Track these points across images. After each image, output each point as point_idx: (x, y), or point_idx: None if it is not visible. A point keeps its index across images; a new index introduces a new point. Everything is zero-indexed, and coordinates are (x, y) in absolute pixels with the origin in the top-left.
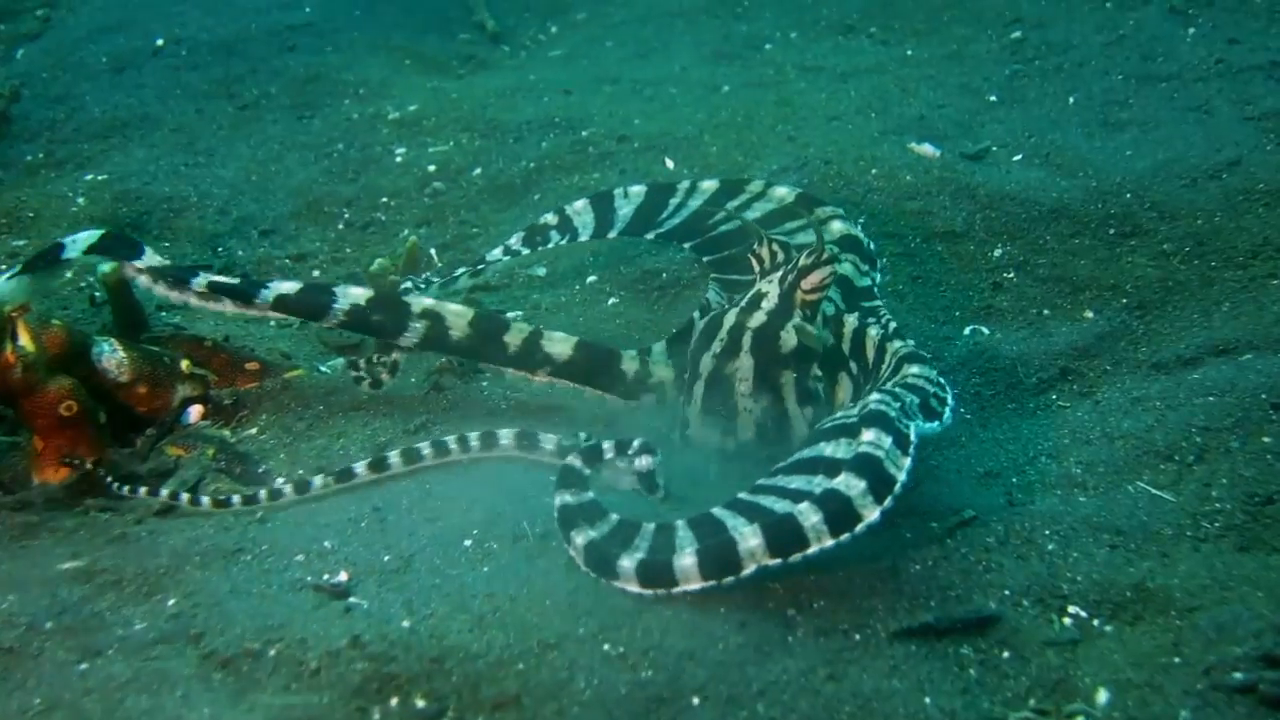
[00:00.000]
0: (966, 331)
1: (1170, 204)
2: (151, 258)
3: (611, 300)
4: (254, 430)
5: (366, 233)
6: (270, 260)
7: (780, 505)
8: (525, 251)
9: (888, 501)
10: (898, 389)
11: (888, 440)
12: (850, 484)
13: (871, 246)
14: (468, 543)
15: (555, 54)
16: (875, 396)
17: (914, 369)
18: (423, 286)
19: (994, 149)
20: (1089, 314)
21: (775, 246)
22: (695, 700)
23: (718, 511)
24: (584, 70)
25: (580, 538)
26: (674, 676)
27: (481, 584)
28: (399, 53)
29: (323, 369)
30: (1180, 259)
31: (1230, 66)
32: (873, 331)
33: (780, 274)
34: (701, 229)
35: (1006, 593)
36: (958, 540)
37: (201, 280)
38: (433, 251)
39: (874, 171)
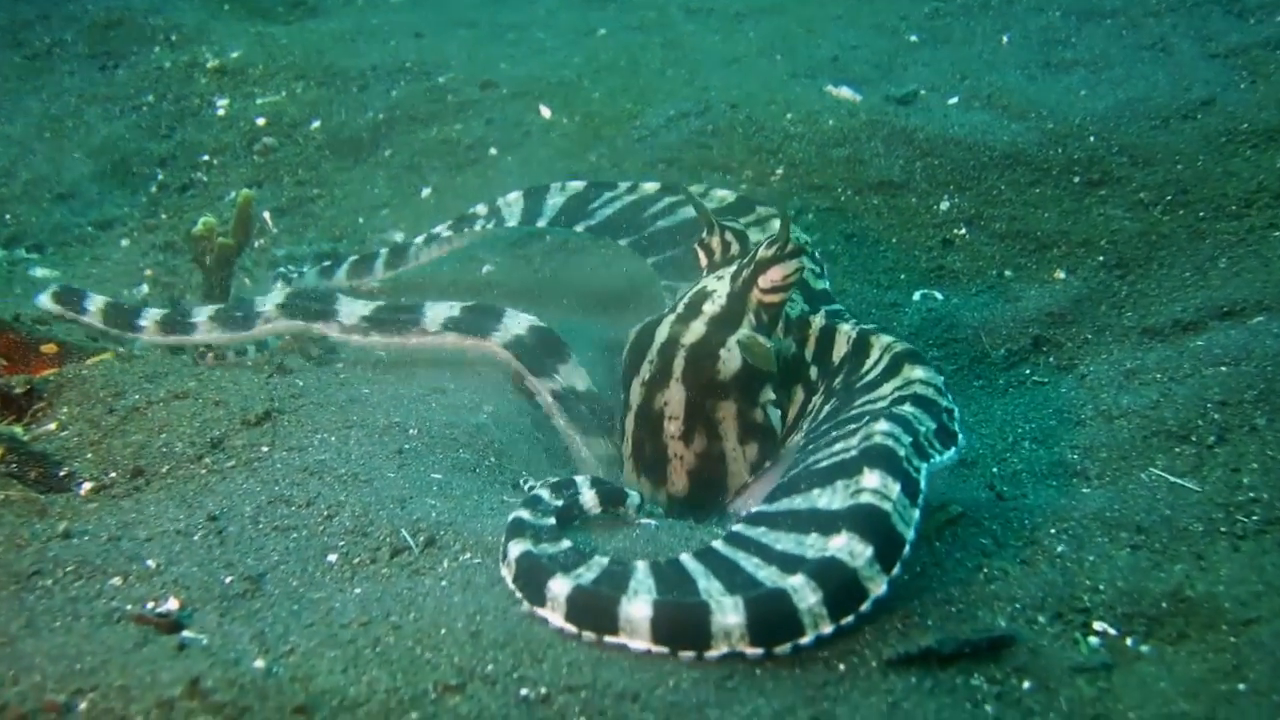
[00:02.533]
0: (916, 297)
1: (1142, 147)
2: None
3: (486, 268)
4: (53, 425)
5: (185, 196)
6: (68, 228)
7: (767, 575)
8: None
9: (897, 569)
10: (910, 412)
11: (895, 488)
12: (854, 550)
13: (817, 254)
14: (332, 557)
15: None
16: (882, 426)
17: (918, 372)
18: (295, 275)
19: (923, 92)
20: (1060, 274)
21: (729, 235)
22: None
23: (688, 561)
24: (434, 13)
25: (517, 548)
26: None
27: (354, 609)
28: None
29: (138, 351)
30: (1162, 209)
31: (1182, 1)
32: (845, 327)
33: (734, 269)
34: (637, 222)
35: (1017, 606)
36: (948, 542)
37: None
38: (266, 216)
39: (789, 115)
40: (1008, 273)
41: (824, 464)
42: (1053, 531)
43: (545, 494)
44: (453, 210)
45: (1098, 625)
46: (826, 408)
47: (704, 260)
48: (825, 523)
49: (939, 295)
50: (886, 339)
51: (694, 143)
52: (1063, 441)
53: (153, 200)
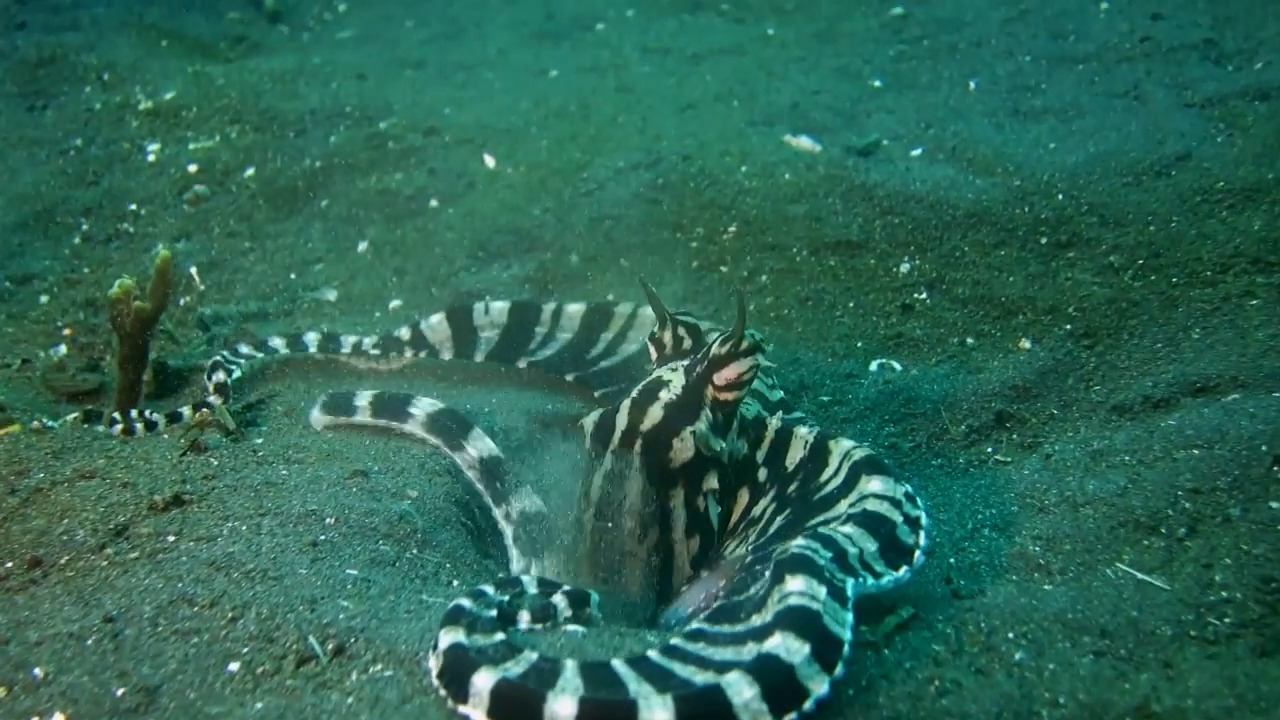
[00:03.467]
0: (873, 367)
1: (1113, 206)
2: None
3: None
4: None
5: (110, 248)
6: None
7: (703, 679)
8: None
9: (838, 669)
10: (841, 532)
11: (821, 590)
12: (790, 647)
13: (773, 366)
14: (234, 666)
15: (345, 35)
16: (799, 542)
17: (874, 485)
18: (236, 367)
19: (885, 142)
20: (1025, 344)
21: (681, 330)
22: None
23: (619, 666)
24: (380, 53)
25: (448, 638)
26: None
27: None
28: (153, 32)
29: (50, 423)
30: (1133, 274)
31: (1158, 45)
32: (802, 430)
33: (688, 363)
34: (580, 362)
35: None
36: (897, 650)
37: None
38: (193, 271)
39: (744, 169)
40: (970, 341)
41: (759, 594)
42: (1011, 636)
43: (490, 590)
44: (390, 265)
45: None
46: (779, 519)
47: (655, 354)
48: (760, 633)
49: (897, 365)
50: (846, 445)
51: (643, 198)
52: (1025, 530)
53: (75, 253)
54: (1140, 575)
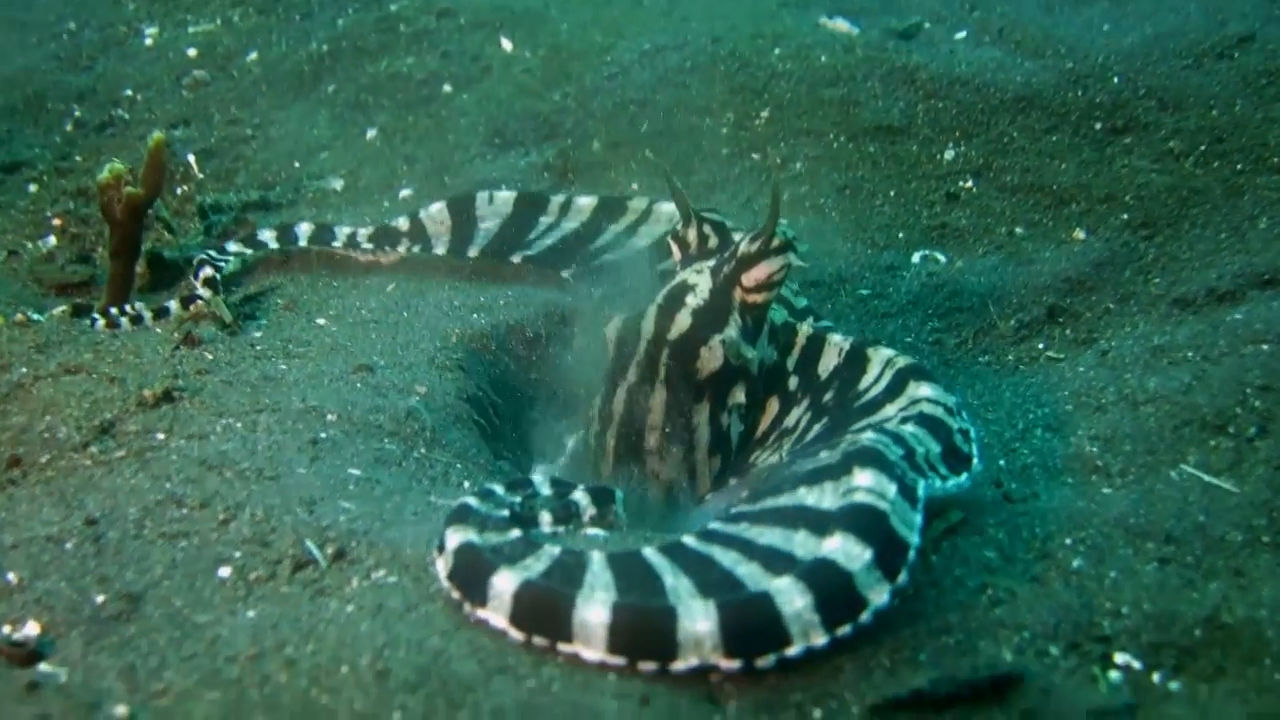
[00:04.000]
0: (916, 259)
1: (1172, 90)
2: None
3: None
4: None
5: (103, 135)
6: None
7: (748, 571)
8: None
9: (902, 576)
10: (909, 432)
11: (892, 489)
12: (851, 552)
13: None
14: (225, 572)
15: None
16: (869, 435)
17: (925, 390)
18: (224, 264)
19: (927, 25)
20: (1079, 234)
21: (707, 228)
22: None
23: (652, 556)
24: None
25: (457, 537)
26: None
27: (244, 638)
28: None
29: (36, 316)
30: (1194, 160)
31: None
32: (836, 337)
33: (714, 263)
34: (581, 255)
35: (1026, 635)
36: (946, 556)
37: None
38: (191, 159)
39: (778, 51)
40: (1019, 231)
41: (806, 468)
42: (1068, 542)
43: (499, 489)
44: (400, 153)
45: (1120, 658)
46: (817, 426)
47: (678, 254)
48: (815, 521)
49: (941, 257)
50: (886, 353)
51: (670, 82)
52: (1080, 430)
53: (67, 140)
54: (1207, 478)
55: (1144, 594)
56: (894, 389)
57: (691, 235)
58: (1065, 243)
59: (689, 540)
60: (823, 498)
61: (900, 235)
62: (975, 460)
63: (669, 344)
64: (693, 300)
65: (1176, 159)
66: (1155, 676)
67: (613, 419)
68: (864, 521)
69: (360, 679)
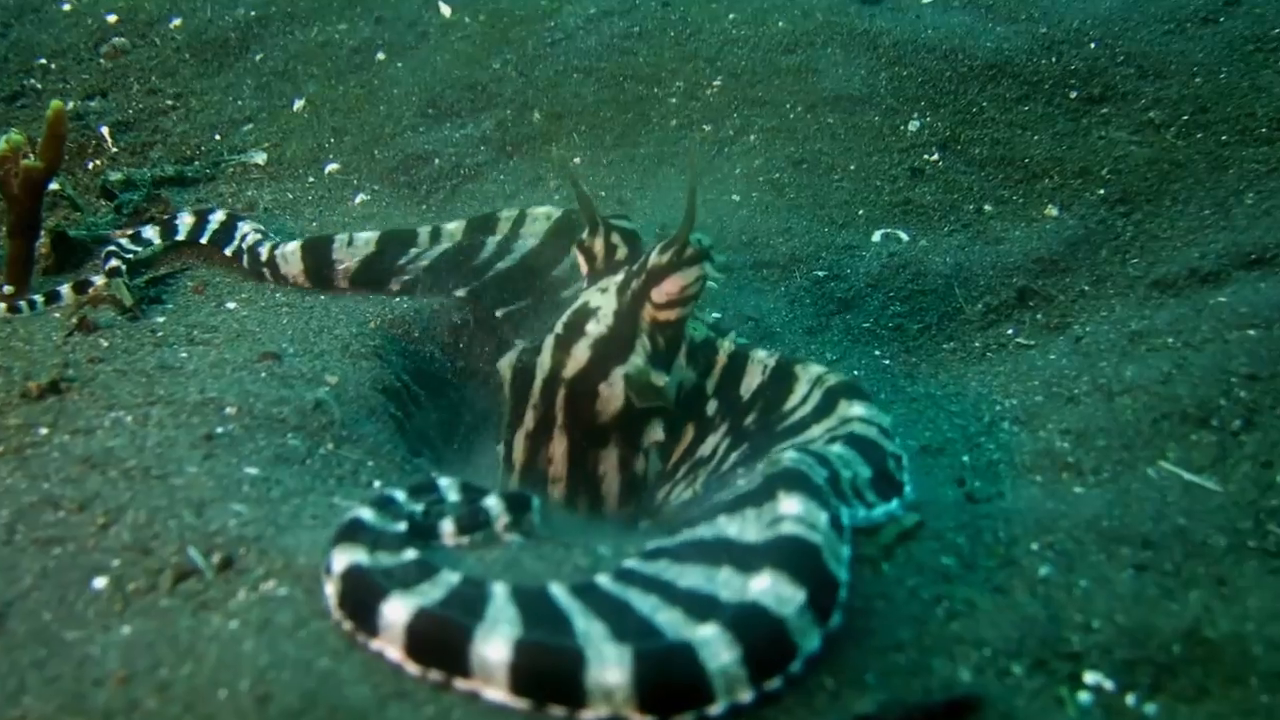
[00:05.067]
0: (876, 237)
1: (1153, 56)
2: None
3: (360, 197)
4: None
5: (14, 106)
6: None
7: (668, 619)
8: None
9: (835, 618)
10: (834, 451)
11: (822, 517)
12: (782, 594)
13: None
14: (100, 583)
15: None
16: (790, 454)
17: (857, 409)
18: (133, 254)
19: None
20: (1052, 210)
21: (615, 237)
22: None
23: (559, 594)
24: None
25: (344, 559)
26: None
27: (116, 658)
28: None
29: None
30: (1176, 131)
31: None
32: (760, 354)
33: (620, 278)
34: (466, 270)
35: (986, 653)
36: (899, 564)
37: None
38: (105, 131)
39: (731, 16)
40: (988, 208)
41: (726, 497)
42: (1035, 547)
43: (400, 496)
44: (328, 125)
45: (1090, 677)
46: (735, 454)
47: (585, 267)
48: (740, 556)
49: (904, 235)
50: (816, 369)
51: (616, 48)
52: (1051, 424)
53: None
54: (1188, 475)
55: (1118, 605)
56: (823, 409)
57: (599, 246)
58: (1037, 220)
59: (603, 580)
60: (745, 528)
61: (860, 212)
62: (907, 487)
63: (564, 383)
64: (594, 328)
65: (1157, 130)
66: (1129, 698)
67: (514, 469)
68: (795, 559)
69: (238, 705)
